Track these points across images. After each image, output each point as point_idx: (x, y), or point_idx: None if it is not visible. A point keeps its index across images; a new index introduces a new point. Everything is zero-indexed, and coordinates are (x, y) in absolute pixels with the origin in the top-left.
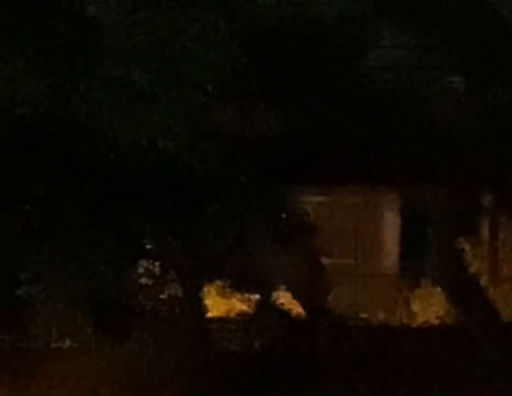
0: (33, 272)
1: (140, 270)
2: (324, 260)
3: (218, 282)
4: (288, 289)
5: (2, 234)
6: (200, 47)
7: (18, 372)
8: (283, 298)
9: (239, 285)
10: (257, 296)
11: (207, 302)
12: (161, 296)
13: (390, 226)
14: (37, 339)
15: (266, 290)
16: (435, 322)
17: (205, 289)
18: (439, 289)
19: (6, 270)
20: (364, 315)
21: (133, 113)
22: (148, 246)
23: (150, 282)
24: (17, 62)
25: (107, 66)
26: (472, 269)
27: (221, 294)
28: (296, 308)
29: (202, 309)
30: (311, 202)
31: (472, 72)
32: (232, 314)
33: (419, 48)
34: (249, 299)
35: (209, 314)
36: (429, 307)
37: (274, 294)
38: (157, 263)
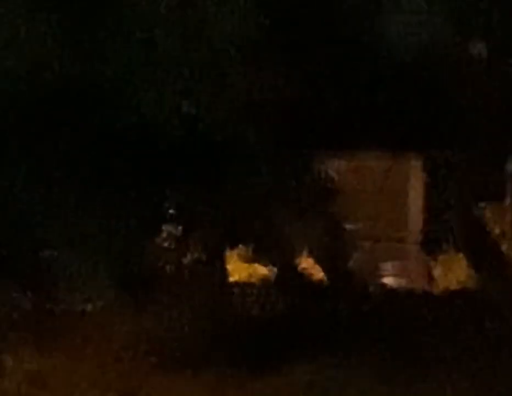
0: (57, 236)
1: (163, 235)
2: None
3: (241, 247)
4: (310, 254)
5: (26, 197)
6: (224, 11)
7: (42, 334)
8: (306, 263)
9: (261, 250)
10: (279, 261)
11: (229, 267)
12: (184, 261)
13: (413, 191)
14: (60, 302)
15: (288, 255)
16: (457, 287)
17: (227, 254)
18: (461, 255)
19: (30, 233)
20: (386, 281)
21: (156, 77)
22: (171, 211)
23: (172, 247)
24: (40, 25)
25: (130, 29)
26: (494, 235)
27: (243, 259)
28: (319, 274)
29: (224, 274)
30: (334, 166)
31: (495, 38)
32: (254, 280)
33: (442, 14)
34: (271, 264)
35: (231, 279)
36: (451, 272)
37: (297, 259)
38: (179, 228)
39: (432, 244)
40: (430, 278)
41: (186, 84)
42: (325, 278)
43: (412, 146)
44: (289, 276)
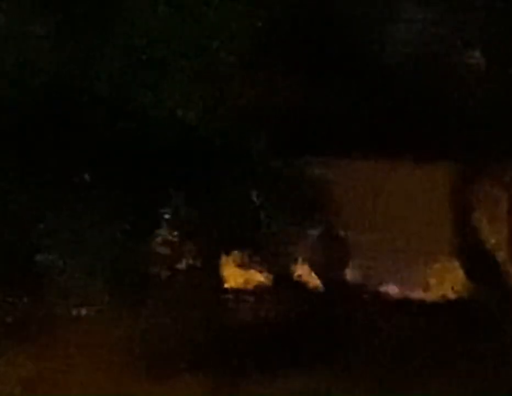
0: (51, 240)
1: (158, 240)
2: (342, 233)
3: (236, 253)
4: (305, 261)
5: (20, 201)
6: (222, 17)
7: (35, 339)
8: (302, 270)
9: (257, 256)
10: (275, 268)
11: (225, 273)
12: (179, 266)
13: (407, 199)
14: (54, 306)
15: (283, 261)
16: (452, 296)
17: (223, 260)
18: (456, 264)
19: (25, 237)
20: (380, 289)
21: (154, 83)
22: (166, 216)
23: (167, 252)
24: (36, 30)
25: (128, 35)
26: (489, 244)
27: (239, 265)
28: (314, 281)
29: (219, 280)
30: (329, 174)
31: (492, 47)
32: (250, 286)
33: (439, 23)
34: (267, 271)
35: (226, 285)
36: (446, 281)
37: (292, 266)
38: (175, 233)
39: (428, 252)
40: (426, 286)
41: (183, 89)
42: (321, 285)
43: (409, 153)
44: (285, 283)
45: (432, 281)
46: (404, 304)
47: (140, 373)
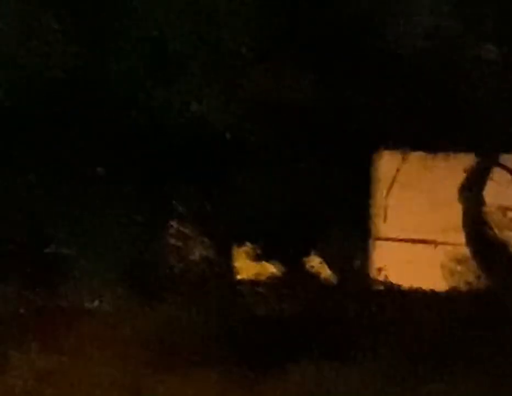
0: (65, 233)
1: (172, 232)
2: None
3: (249, 244)
4: (318, 253)
5: (35, 194)
6: (235, 10)
7: (50, 331)
8: (313, 262)
9: (270, 248)
10: (287, 259)
11: (238, 264)
12: (192, 258)
13: (422, 191)
14: (68, 299)
15: (296, 253)
16: (465, 288)
17: (236, 252)
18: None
19: (37, 228)
20: (393, 280)
21: (167, 75)
22: (180, 209)
23: (181, 245)
24: (50, 24)
25: (141, 28)
26: (502, 236)
27: (252, 257)
28: (327, 272)
29: (232, 271)
30: (341, 166)
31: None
32: (262, 277)
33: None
34: (279, 262)
35: (239, 277)
36: (457, 272)
37: (305, 258)
38: (188, 226)
39: (440, 243)
40: (438, 279)
41: (196, 83)
42: (334, 277)
43: (422, 145)
44: (298, 274)
45: (443, 272)
46: (417, 296)
47: (154, 364)
